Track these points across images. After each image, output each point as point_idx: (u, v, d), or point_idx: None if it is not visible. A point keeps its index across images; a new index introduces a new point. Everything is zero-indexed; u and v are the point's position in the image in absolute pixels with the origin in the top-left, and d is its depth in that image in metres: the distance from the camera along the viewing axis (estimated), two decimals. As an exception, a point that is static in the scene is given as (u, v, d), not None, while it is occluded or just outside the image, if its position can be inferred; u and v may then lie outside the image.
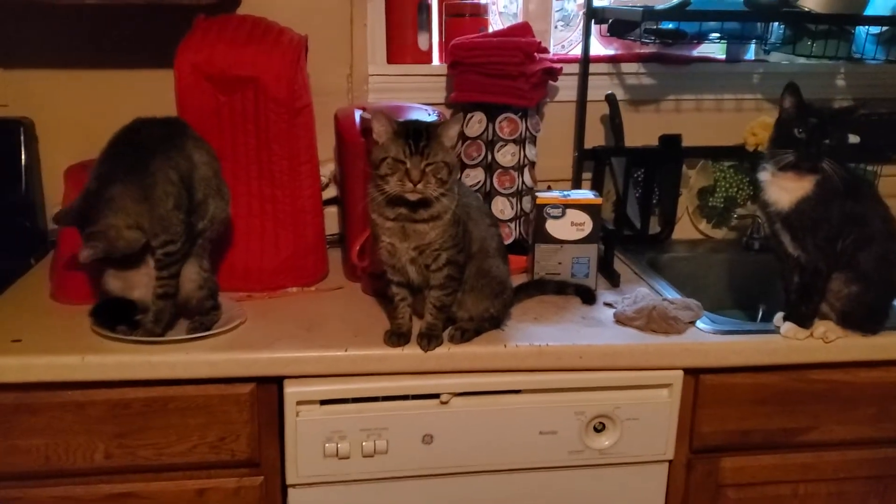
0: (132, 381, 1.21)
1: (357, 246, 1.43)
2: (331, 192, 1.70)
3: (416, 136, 1.16)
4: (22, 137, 1.61)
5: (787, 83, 1.28)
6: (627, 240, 1.78)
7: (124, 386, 1.22)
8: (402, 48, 1.76)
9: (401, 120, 1.19)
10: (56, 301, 1.40)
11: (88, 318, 1.27)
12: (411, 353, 1.25)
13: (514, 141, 1.66)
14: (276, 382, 1.25)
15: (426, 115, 1.47)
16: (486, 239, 1.31)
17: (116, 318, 1.27)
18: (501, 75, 1.59)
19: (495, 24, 1.87)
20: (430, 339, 1.25)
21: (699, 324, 1.36)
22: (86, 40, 1.66)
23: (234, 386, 1.24)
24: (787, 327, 1.32)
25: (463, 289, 1.29)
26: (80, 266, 1.33)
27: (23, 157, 1.61)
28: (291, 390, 1.24)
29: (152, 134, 1.26)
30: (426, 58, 1.79)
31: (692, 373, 1.32)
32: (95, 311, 1.28)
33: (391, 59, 1.77)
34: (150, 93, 1.55)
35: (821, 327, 1.31)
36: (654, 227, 1.82)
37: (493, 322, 1.32)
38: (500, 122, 1.65)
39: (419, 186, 1.15)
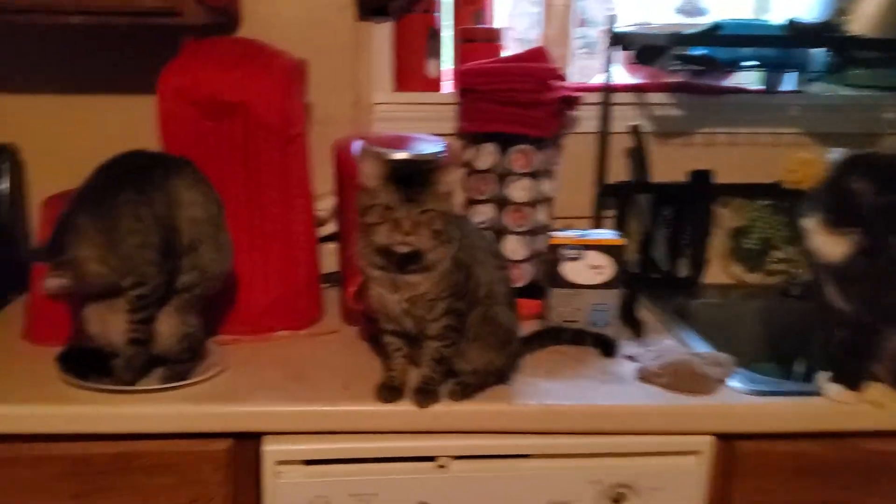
0: (95, 435, 1.11)
1: (354, 287, 1.31)
2: (332, 227, 1.59)
3: (410, 180, 1.04)
4: (5, 164, 1.52)
5: (857, 159, 1.10)
6: (653, 284, 1.65)
7: (86, 440, 1.11)
8: (410, 75, 1.66)
9: (393, 160, 1.07)
10: (27, 341, 1.31)
11: (55, 363, 1.17)
12: (405, 409, 1.13)
13: (528, 175, 1.54)
14: (256, 439, 1.13)
15: (433, 146, 1.36)
16: (494, 283, 1.19)
17: (86, 364, 1.17)
18: (514, 103, 1.47)
19: (513, 50, 1.77)
20: (426, 395, 1.13)
21: (732, 382, 1.22)
22: (73, 64, 1.60)
23: (208, 442, 1.13)
24: (834, 389, 1.17)
25: (466, 337, 1.16)
26: (51, 300, 1.24)
27: (7, 184, 1.53)
28: (271, 448, 1.12)
29: (134, 165, 1.18)
30: (435, 86, 1.69)
31: (724, 438, 1.18)
32: (63, 357, 1.19)
33: (398, 87, 1.67)
34: (139, 118, 1.46)
35: (873, 390, 1.16)
36: (683, 271, 1.70)
37: (499, 376, 1.20)
38: (513, 154, 1.53)
39: (410, 238, 1.04)
